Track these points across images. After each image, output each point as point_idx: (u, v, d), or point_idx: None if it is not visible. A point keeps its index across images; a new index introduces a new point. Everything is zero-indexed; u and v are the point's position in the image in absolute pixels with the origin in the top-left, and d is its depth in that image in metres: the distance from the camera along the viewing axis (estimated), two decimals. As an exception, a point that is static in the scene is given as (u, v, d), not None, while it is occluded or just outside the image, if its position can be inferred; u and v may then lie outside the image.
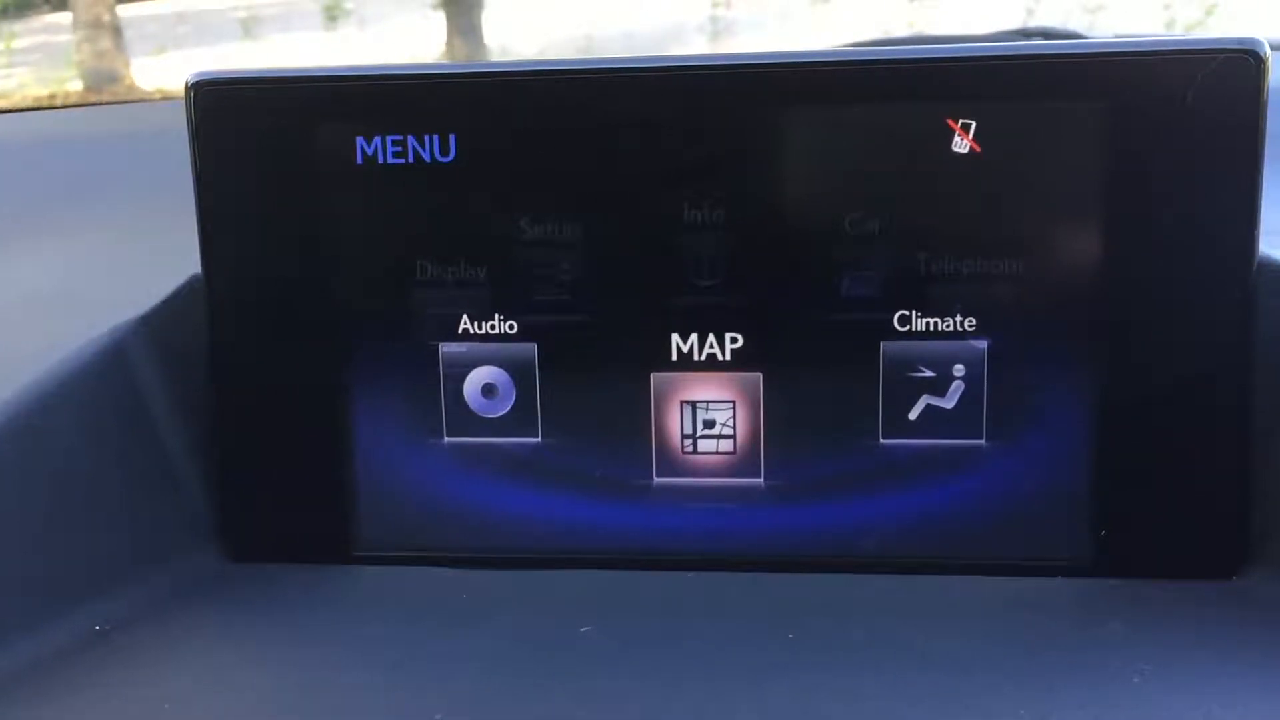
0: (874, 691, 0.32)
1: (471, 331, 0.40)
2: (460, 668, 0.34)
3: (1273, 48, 0.37)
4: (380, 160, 0.40)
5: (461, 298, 0.40)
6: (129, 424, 0.40)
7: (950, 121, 0.38)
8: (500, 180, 0.40)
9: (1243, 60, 0.36)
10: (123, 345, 0.40)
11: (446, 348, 0.41)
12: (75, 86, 3.93)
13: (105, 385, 0.40)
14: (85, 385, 0.39)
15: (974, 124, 0.37)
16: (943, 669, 0.33)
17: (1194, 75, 0.36)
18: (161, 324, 0.41)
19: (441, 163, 0.40)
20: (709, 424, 0.40)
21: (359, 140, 0.40)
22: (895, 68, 0.38)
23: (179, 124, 0.41)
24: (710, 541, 0.40)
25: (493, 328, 0.40)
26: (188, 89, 0.40)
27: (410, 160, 0.40)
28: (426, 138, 0.39)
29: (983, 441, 0.39)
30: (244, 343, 0.41)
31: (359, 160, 0.40)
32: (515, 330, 0.40)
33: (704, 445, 0.40)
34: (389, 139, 0.40)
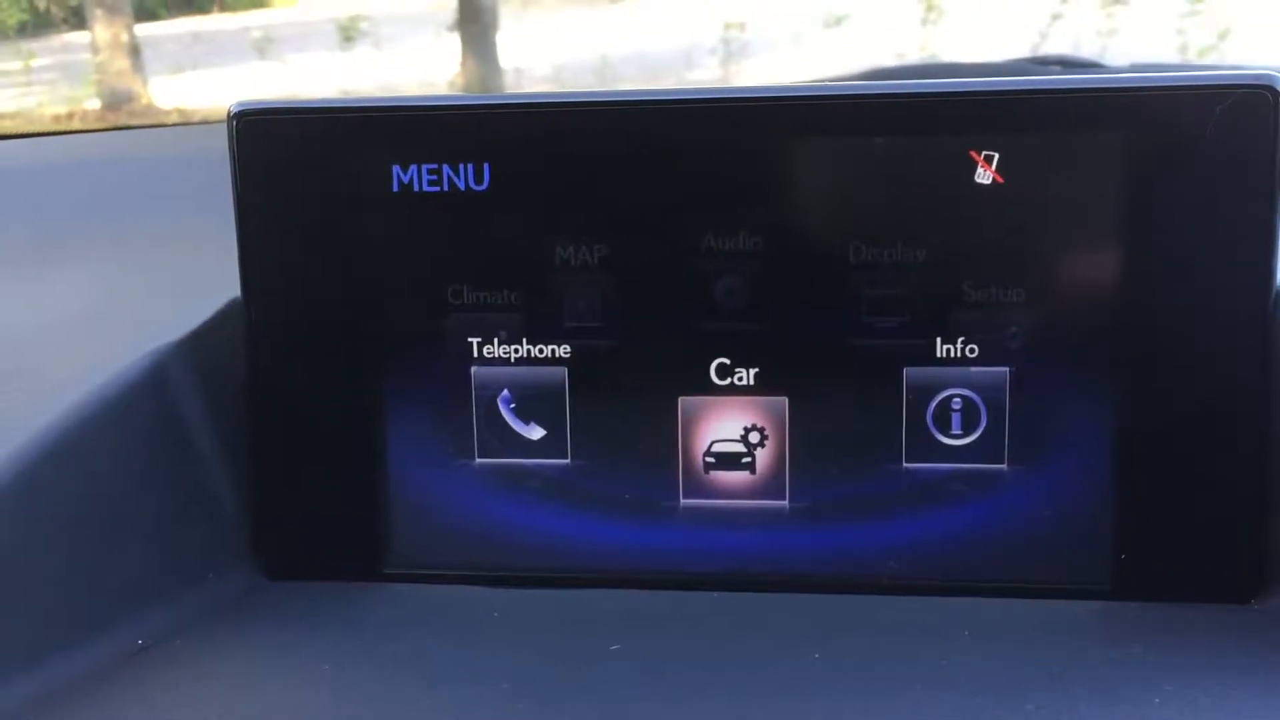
0: (897, 712, 0.33)
1: (504, 355, 0.41)
2: (490, 684, 0.35)
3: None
4: (416, 188, 0.41)
5: (494, 322, 0.41)
6: (168, 445, 0.41)
7: (973, 153, 0.38)
8: (533, 208, 0.41)
9: (1260, 95, 0.37)
10: (162, 367, 0.41)
11: (479, 371, 0.41)
12: (93, 105, 3.96)
13: (145, 407, 0.40)
14: (125, 407, 0.40)
15: (997, 156, 0.38)
16: (965, 690, 0.34)
17: (1212, 109, 0.37)
18: (200, 347, 0.42)
19: (476, 191, 0.40)
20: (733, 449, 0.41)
21: (395, 168, 0.41)
22: (919, 101, 0.39)
23: (215, 148, 0.42)
24: (735, 562, 0.41)
25: (525, 351, 0.41)
26: (230, 118, 0.41)
27: (445, 188, 0.41)
28: (461, 166, 0.40)
29: (1004, 466, 0.40)
30: (281, 365, 0.42)
31: (395, 188, 0.41)
32: (547, 354, 0.41)
33: (730, 468, 0.41)
34: (424, 167, 0.41)
